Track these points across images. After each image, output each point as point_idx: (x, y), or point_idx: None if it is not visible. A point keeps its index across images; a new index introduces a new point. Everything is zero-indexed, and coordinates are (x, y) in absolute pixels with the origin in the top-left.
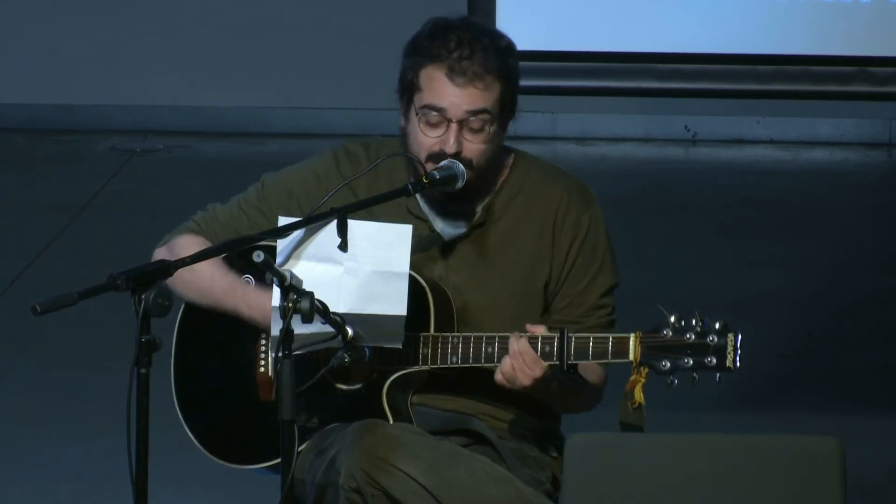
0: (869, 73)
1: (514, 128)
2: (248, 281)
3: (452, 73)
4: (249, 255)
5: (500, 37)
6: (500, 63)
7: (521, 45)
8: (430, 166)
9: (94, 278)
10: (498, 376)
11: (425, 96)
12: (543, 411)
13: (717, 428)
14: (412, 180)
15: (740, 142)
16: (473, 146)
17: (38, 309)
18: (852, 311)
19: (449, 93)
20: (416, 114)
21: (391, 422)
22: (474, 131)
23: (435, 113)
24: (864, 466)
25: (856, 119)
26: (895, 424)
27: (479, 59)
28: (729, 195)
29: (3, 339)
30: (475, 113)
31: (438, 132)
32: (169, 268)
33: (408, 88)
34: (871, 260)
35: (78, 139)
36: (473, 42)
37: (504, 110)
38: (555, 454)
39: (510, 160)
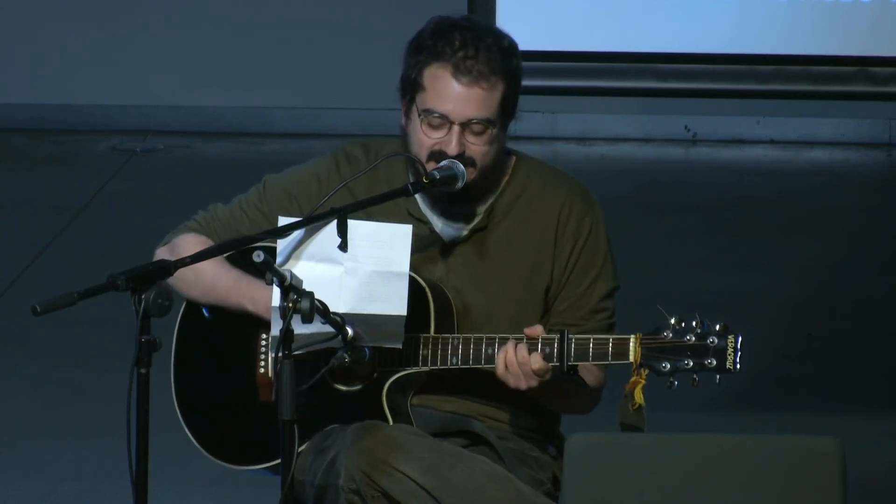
0: (869, 73)
1: (514, 128)
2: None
3: (457, 73)
4: (249, 255)
5: (503, 36)
6: (505, 63)
7: (522, 45)
8: (430, 166)
9: (94, 278)
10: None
11: (428, 97)
12: (543, 411)
13: (717, 428)
14: (412, 180)
15: (740, 142)
16: (476, 148)
17: (38, 309)
18: (852, 311)
19: (453, 93)
20: (419, 115)
21: (391, 423)
22: (476, 133)
23: (437, 116)
24: (864, 466)
25: (856, 119)
26: (895, 424)
27: (484, 59)
28: (729, 195)
29: (3, 339)
30: (478, 121)
31: (440, 133)
32: (169, 268)
33: (410, 87)
34: (871, 260)
35: (78, 139)
36: (478, 41)
37: (506, 111)
38: (555, 454)
39: (512, 162)
